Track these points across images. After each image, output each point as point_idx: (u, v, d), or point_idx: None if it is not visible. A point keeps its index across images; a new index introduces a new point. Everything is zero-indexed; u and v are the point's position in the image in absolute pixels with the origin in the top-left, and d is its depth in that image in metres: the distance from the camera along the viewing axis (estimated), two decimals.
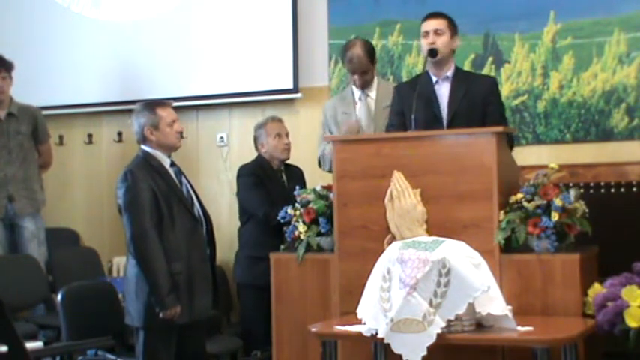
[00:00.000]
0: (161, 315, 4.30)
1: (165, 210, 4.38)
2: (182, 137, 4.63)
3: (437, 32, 4.56)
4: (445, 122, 4.54)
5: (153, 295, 4.30)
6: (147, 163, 4.47)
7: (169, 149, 4.55)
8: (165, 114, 4.53)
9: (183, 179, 4.57)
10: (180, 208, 4.44)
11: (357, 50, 5.16)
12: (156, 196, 4.37)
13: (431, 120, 4.52)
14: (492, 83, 4.70)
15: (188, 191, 4.55)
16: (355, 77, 5.20)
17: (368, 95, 5.23)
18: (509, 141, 4.48)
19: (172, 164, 4.56)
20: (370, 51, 5.20)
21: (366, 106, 5.21)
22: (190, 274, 4.41)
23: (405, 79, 5.78)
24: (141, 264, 4.32)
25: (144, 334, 4.40)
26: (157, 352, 4.38)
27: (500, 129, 4.21)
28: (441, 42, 4.55)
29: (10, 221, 6.09)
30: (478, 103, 4.53)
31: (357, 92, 5.25)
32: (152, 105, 4.58)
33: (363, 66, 5.15)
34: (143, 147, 4.54)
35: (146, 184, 4.38)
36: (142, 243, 4.31)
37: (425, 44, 4.57)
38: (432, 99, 4.57)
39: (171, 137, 4.52)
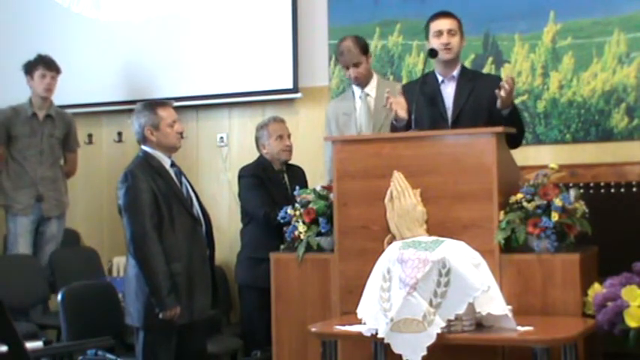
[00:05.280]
0: (161, 315, 4.30)
1: (165, 210, 4.38)
2: (182, 137, 4.63)
3: (450, 32, 4.54)
4: (450, 122, 4.53)
5: (153, 295, 4.30)
6: (147, 163, 4.47)
7: (170, 149, 4.55)
8: (166, 114, 4.53)
9: (184, 179, 4.57)
10: (180, 209, 4.44)
11: (347, 42, 5.22)
12: (156, 197, 4.37)
13: (436, 119, 4.52)
14: (498, 82, 4.67)
15: (188, 192, 4.55)
16: (349, 72, 5.22)
17: (368, 95, 5.24)
18: (517, 138, 4.46)
19: (173, 164, 4.56)
20: (361, 43, 5.24)
21: (366, 105, 5.22)
22: (190, 274, 4.41)
23: (404, 79, 5.79)
24: (141, 265, 4.32)
25: (144, 334, 4.40)
26: (156, 353, 4.38)
27: (500, 129, 4.20)
28: (455, 42, 4.55)
29: (38, 221, 6.11)
30: (484, 102, 4.51)
31: (358, 92, 5.27)
32: (153, 105, 4.57)
33: (354, 57, 5.18)
34: (143, 147, 4.54)
35: (146, 184, 4.38)
36: (141, 244, 4.31)
37: (437, 44, 4.52)
38: (438, 98, 4.57)
39: (171, 137, 4.52)
